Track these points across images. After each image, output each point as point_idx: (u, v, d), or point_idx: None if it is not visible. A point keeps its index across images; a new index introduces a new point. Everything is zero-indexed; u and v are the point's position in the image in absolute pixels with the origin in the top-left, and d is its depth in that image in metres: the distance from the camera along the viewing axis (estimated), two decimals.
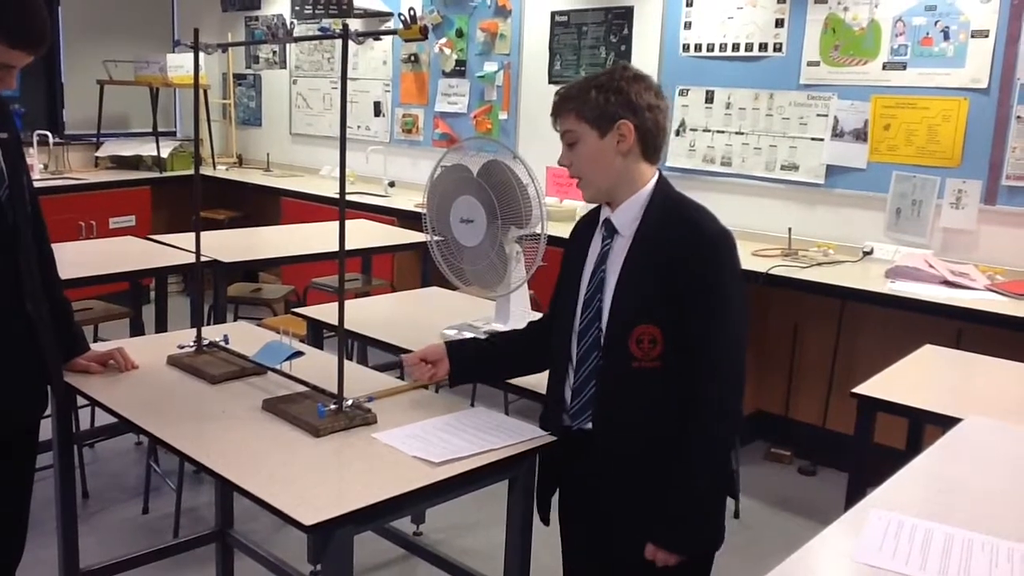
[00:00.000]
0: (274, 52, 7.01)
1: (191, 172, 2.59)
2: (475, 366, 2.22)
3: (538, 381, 2.33)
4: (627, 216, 1.90)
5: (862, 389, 2.25)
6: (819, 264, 3.89)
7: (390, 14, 5.90)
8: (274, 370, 2.21)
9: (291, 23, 6.51)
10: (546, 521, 2.06)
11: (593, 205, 2.02)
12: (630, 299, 1.85)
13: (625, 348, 1.83)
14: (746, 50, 4.42)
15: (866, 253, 4.00)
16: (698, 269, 1.80)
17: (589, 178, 1.92)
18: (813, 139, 4.23)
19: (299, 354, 2.18)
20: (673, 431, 1.81)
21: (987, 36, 3.71)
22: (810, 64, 4.21)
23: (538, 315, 2.59)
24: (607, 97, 1.85)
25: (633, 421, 1.87)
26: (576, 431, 1.95)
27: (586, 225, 2.04)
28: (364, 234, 4.52)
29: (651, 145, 1.90)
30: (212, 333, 2.44)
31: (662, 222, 1.86)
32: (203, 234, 2.44)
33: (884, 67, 4.01)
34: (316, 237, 4.28)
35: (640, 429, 1.87)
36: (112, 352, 2.28)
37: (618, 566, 1.95)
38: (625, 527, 1.91)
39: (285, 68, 6.96)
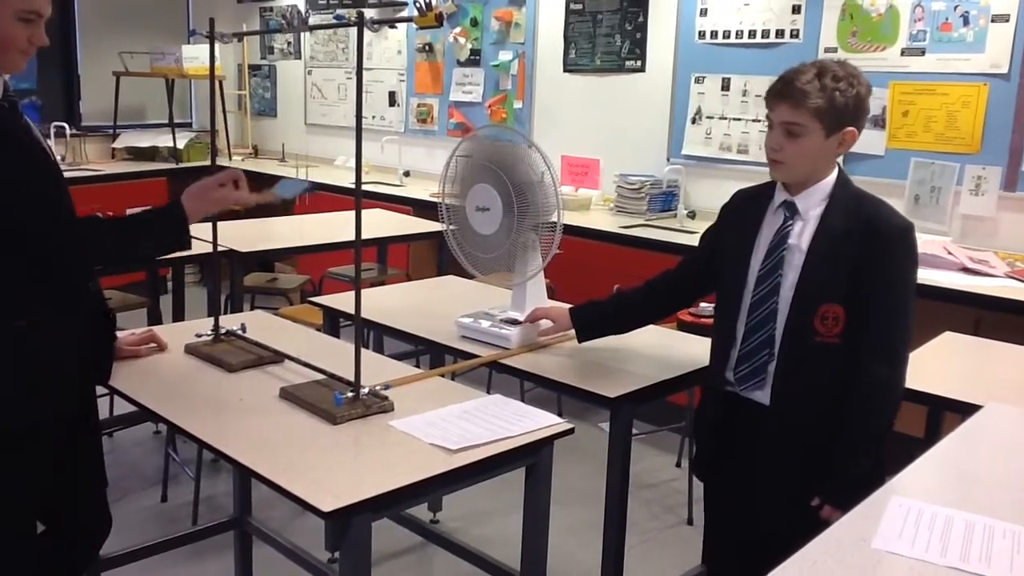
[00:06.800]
0: (289, 43, 7.02)
1: (207, 163, 2.60)
2: (600, 320, 2.41)
3: (554, 369, 2.33)
4: (811, 201, 2.00)
5: None
6: None
7: (404, 3, 5.89)
8: (289, 358, 2.22)
9: (306, 12, 6.50)
10: (701, 477, 2.26)
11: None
12: (818, 280, 1.95)
13: (810, 324, 1.95)
14: (763, 37, 4.38)
15: None
16: (883, 260, 1.93)
17: (794, 165, 1.99)
18: None
19: (312, 186, 2.23)
20: (844, 403, 1.93)
21: (1008, 21, 3.67)
22: (827, 50, 4.17)
23: (553, 302, 2.59)
24: (847, 103, 1.93)
25: (810, 392, 1.98)
26: (743, 398, 2.07)
27: (750, 200, 2.12)
28: (380, 224, 4.53)
29: (852, 146, 2.02)
30: (229, 322, 2.45)
31: (849, 212, 1.96)
32: (219, 224, 2.46)
33: (903, 53, 3.97)
34: (332, 227, 4.29)
35: (816, 400, 1.98)
36: (154, 334, 2.33)
37: (768, 528, 2.00)
38: (785, 492, 2.00)
39: (300, 59, 6.97)
